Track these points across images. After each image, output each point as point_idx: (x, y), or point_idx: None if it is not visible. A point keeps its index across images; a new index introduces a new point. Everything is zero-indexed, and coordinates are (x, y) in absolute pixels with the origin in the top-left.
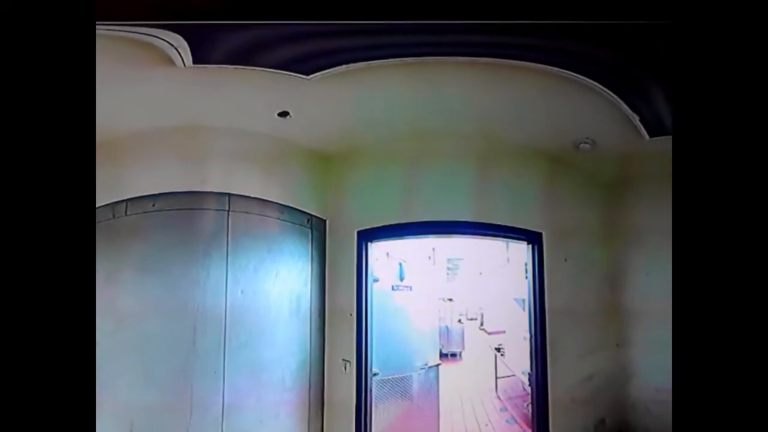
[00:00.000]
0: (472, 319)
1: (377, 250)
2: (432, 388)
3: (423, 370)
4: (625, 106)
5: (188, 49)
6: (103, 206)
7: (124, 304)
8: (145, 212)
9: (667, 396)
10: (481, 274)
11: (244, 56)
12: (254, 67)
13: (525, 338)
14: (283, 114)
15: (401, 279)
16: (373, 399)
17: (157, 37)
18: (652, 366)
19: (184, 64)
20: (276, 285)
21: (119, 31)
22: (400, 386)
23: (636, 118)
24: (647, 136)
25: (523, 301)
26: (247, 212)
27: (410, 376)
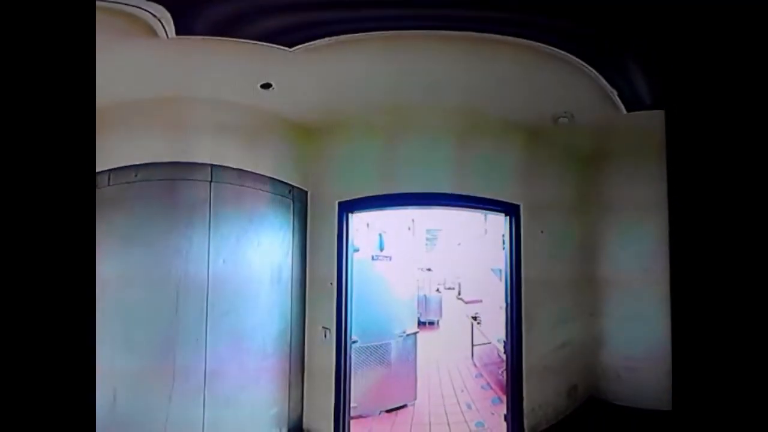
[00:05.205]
0: (449, 289)
1: (358, 220)
2: (410, 355)
3: (401, 338)
4: (603, 81)
5: (171, 20)
6: None
7: (107, 273)
8: (128, 182)
9: (636, 363)
10: (459, 244)
11: (227, 28)
12: (237, 39)
13: (501, 307)
14: (266, 86)
15: (381, 249)
16: (353, 366)
17: (141, 8)
18: (623, 335)
19: (167, 36)
20: (258, 254)
21: (102, 1)
22: (378, 353)
23: (614, 93)
24: (624, 111)
25: (500, 271)
26: (229, 183)
27: (389, 343)
